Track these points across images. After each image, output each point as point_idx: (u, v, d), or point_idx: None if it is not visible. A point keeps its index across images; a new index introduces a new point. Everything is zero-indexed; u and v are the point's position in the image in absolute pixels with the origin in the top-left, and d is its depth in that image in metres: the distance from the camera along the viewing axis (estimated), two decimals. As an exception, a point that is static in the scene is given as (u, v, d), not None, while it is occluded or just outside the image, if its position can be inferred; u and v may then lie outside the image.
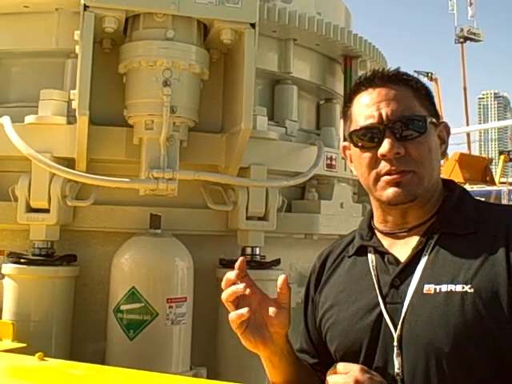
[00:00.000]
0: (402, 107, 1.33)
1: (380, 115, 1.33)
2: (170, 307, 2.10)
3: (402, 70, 1.40)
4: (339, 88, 3.25)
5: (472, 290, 1.21)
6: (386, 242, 1.40)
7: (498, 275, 1.23)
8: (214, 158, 2.46)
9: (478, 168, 22.27)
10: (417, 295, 1.27)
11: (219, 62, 2.54)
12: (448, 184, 1.42)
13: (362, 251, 1.43)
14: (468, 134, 46.47)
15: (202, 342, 2.38)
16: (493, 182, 25.16)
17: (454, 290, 1.23)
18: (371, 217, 1.48)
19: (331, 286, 1.46)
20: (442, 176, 1.44)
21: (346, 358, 1.33)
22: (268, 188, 2.51)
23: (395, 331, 1.27)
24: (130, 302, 2.08)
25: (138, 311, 2.08)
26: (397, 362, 1.26)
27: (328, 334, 1.41)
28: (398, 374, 1.26)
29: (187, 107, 2.27)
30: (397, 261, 1.35)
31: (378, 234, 1.43)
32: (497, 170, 48.57)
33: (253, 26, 2.28)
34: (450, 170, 22.32)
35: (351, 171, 1.52)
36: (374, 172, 1.36)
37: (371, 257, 1.40)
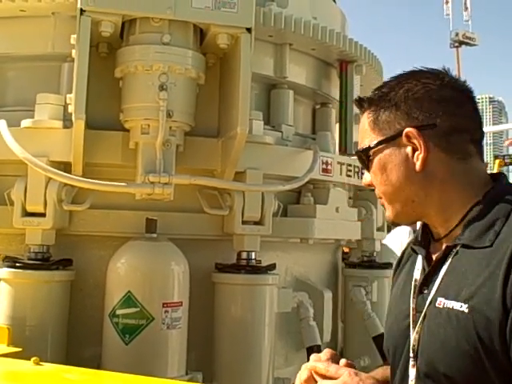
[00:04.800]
0: (359, 141, 1.38)
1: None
2: (166, 312, 2.10)
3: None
4: (335, 93, 3.25)
5: (467, 311, 1.15)
6: (434, 245, 1.37)
7: (495, 298, 1.13)
8: (209, 162, 2.46)
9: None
10: (431, 307, 1.24)
11: (215, 67, 2.54)
12: (494, 182, 1.31)
13: (415, 251, 1.43)
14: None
15: (198, 347, 2.38)
16: (488, 187, 25.23)
17: (453, 307, 1.18)
18: None
19: (396, 280, 1.47)
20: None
21: (391, 363, 1.34)
22: (264, 192, 2.51)
23: (412, 341, 1.25)
24: (125, 306, 2.08)
25: (134, 316, 2.08)
26: (411, 374, 1.25)
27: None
28: None
29: (183, 111, 2.27)
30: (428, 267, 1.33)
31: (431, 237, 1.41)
32: (492, 175, 48.64)
33: (249, 30, 2.28)
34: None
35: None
36: None
37: (419, 260, 1.39)
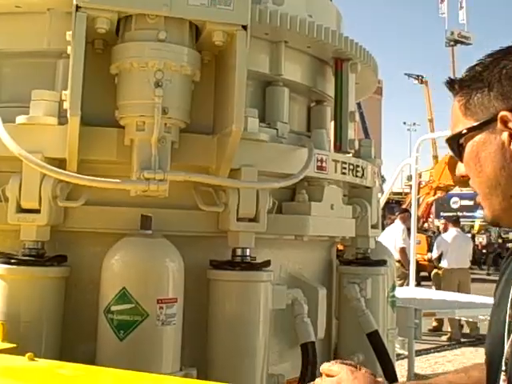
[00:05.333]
0: (451, 127, 1.27)
1: None
2: (161, 308, 2.10)
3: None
4: (330, 90, 3.26)
5: None
6: None
7: None
8: (205, 159, 2.46)
9: (468, 171, 22.28)
10: None
11: (211, 64, 2.54)
12: None
13: None
14: (458, 137, 46.60)
15: (193, 343, 2.39)
16: (482, 185, 25.21)
17: None
18: None
19: (499, 284, 1.37)
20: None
21: (489, 372, 1.27)
22: (259, 190, 2.51)
23: (505, 355, 1.17)
24: (120, 302, 2.08)
25: (129, 312, 2.08)
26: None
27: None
28: None
29: (179, 108, 2.27)
30: None
31: None
32: (486, 173, 48.80)
33: (244, 28, 2.29)
34: (439, 172, 22.43)
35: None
36: None
37: None
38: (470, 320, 8.15)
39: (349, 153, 3.18)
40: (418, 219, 24.18)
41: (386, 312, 3.24)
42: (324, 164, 2.84)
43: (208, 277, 2.45)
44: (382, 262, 3.24)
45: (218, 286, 2.44)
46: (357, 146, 3.22)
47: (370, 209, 3.21)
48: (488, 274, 28.38)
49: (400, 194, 33.27)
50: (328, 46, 3.02)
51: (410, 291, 5.30)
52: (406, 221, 12.63)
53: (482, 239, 30.63)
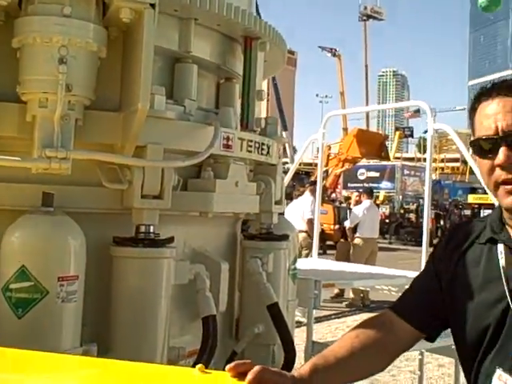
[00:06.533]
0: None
1: (496, 128, 1.46)
2: (61, 285, 2.11)
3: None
4: (239, 68, 3.30)
5: None
6: None
7: None
8: (110, 136, 2.45)
9: (374, 144, 23.22)
10: None
11: (118, 40, 2.52)
12: None
13: (492, 242, 1.56)
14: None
15: (95, 320, 2.41)
16: (387, 158, 26.32)
17: None
18: (502, 210, 1.58)
19: (462, 269, 1.62)
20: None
21: (473, 338, 1.56)
22: (164, 167, 2.54)
23: None
24: (19, 280, 2.07)
25: (28, 290, 2.07)
26: None
27: (455, 314, 1.62)
28: None
29: (83, 85, 2.25)
30: None
31: (508, 227, 1.55)
32: (392, 146, 50.78)
33: (153, 6, 2.28)
34: (348, 145, 23.13)
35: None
36: (492, 178, 1.49)
37: (500, 250, 1.53)
38: (368, 289, 8.60)
39: (255, 131, 3.25)
40: (326, 190, 24.96)
41: (286, 284, 3.38)
42: (230, 142, 2.89)
43: (111, 253, 2.47)
44: (285, 237, 3.35)
45: (121, 262, 2.46)
46: (263, 124, 3.30)
47: (274, 185, 3.31)
48: (390, 243, 29.75)
49: (310, 164, 34.00)
50: (237, 25, 3.05)
51: (312, 262, 5.51)
52: (315, 193, 13.02)
53: (385, 209, 31.99)
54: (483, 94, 1.54)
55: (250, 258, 3.19)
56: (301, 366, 1.70)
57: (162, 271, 2.50)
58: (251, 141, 3.06)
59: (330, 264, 5.65)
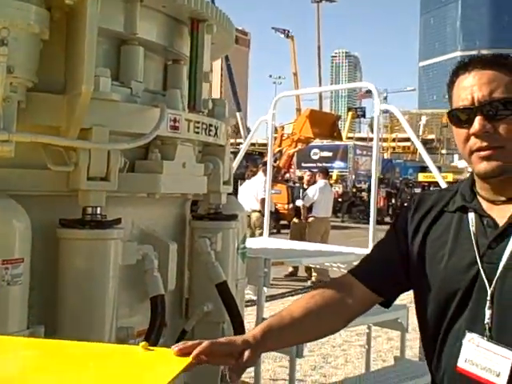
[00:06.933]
0: (493, 90, 1.54)
1: (472, 98, 1.56)
2: (6, 269, 2.11)
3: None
4: (186, 50, 3.32)
5: None
6: (485, 205, 1.62)
7: None
8: (54, 119, 2.45)
9: (327, 124, 23.46)
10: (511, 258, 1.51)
11: (62, 21, 2.50)
12: None
13: (462, 210, 1.66)
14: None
15: (42, 302, 2.42)
16: (340, 138, 26.63)
17: None
18: (474, 179, 1.68)
19: (431, 235, 1.71)
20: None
21: (440, 303, 1.64)
22: (110, 150, 2.55)
23: (489, 287, 1.53)
24: (-39, 264, 2.06)
25: (-29, 274, 2.07)
26: (488, 313, 1.53)
27: (423, 278, 1.69)
28: (487, 323, 1.53)
29: (25, 67, 2.23)
30: (495, 224, 1.58)
31: (479, 197, 1.64)
32: (345, 126, 51.34)
33: (95, -13, 2.28)
34: (300, 125, 23.30)
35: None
36: (467, 147, 1.58)
37: (471, 218, 1.63)
38: (318, 267, 8.77)
39: (203, 112, 3.28)
40: (280, 170, 25.13)
41: (235, 263, 3.44)
42: (177, 124, 2.92)
43: (57, 236, 2.48)
44: (233, 217, 3.41)
45: (68, 244, 2.48)
46: (210, 106, 3.33)
47: (222, 166, 3.35)
48: (342, 221, 30.23)
49: (265, 145, 34.08)
50: (183, 7, 3.06)
51: (263, 241, 5.59)
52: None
53: (338, 188, 32.43)
54: (460, 68, 1.64)
55: (198, 238, 3.23)
56: (255, 327, 1.74)
57: (109, 252, 2.53)
58: (198, 122, 3.09)
59: (280, 243, 5.74)
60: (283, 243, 5.64)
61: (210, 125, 3.21)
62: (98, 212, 2.55)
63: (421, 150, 5.54)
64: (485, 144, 1.53)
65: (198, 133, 3.09)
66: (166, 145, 2.93)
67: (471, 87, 1.56)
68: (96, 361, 1.46)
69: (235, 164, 6.82)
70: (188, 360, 1.45)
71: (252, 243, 5.32)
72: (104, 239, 2.52)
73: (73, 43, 2.42)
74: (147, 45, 3.06)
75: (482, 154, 1.54)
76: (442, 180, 5.13)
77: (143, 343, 1.52)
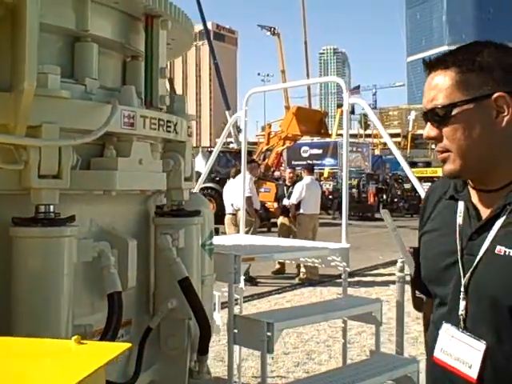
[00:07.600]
0: (435, 96, 1.56)
1: (425, 105, 1.60)
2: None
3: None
4: (143, 46, 3.31)
5: None
6: (475, 195, 1.64)
7: None
8: (2, 116, 2.43)
9: (314, 121, 23.45)
10: (488, 253, 1.51)
11: (6, 19, 2.50)
12: None
13: (454, 199, 1.69)
14: (309, 88, 48.45)
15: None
16: (327, 135, 26.59)
17: None
18: None
19: (431, 222, 1.76)
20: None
21: (431, 290, 1.72)
22: (61, 147, 2.54)
23: (463, 278, 1.55)
24: None
25: None
26: (462, 305, 1.56)
27: (421, 263, 1.75)
28: (461, 314, 1.56)
29: (-34, 66, 2.23)
30: (478, 216, 1.59)
31: (469, 186, 1.66)
32: (334, 123, 51.40)
33: (35, -16, 2.27)
34: (287, 123, 23.29)
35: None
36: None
37: (460, 207, 1.65)
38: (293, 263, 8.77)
39: (161, 108, 3.27)
40: (269, 168, 25.12)
41: (199, 259, 3.43)
42: (132, 120, 2.91)
43: (10, 234, 2.47)
44: (196, 213, 3.40)
45: (21, 243, 2.47)
46: (167, 102, 3.32)
47: (183, 162, 3.34)
48: (334, 218, 30.27)
49: (254, 143, 34.13)
50: (137, 3, 3.06)
51: (237, 238, 5.59)
52: (253, 171, 13.12)
53: (328, 186, 32.46)
54: (424, 69, 1.66)
55: (160, 235, 3.22)
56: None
57: (63, 250, 2.52)
58: (155, 118, 3.08)
59: (253, 239, 5.74)
60: (257, 240, 5.62)
61: (169, 121, 3.21)
62: (51, 210, 2.54)
63: (390, 144, 5.60)
64: (437, 149, 1.59)
65: (155, 129, 3.08)
66: (121, 142, 2.92)
67: (425, 92, 1.62)
68: (27, 355, 1.45)
69: (210, 161, 6.83)
70: (116, 353, 1.44)
71: (226, 240, 5.31)
72: (57, 237, 2.51)
73: (16, 40, 2.41)
74: (102, 42, 3.05)
75: (440, 157, 1.60)
76: (414, 176, 5.24)
77: (76, 337, 1.51)
